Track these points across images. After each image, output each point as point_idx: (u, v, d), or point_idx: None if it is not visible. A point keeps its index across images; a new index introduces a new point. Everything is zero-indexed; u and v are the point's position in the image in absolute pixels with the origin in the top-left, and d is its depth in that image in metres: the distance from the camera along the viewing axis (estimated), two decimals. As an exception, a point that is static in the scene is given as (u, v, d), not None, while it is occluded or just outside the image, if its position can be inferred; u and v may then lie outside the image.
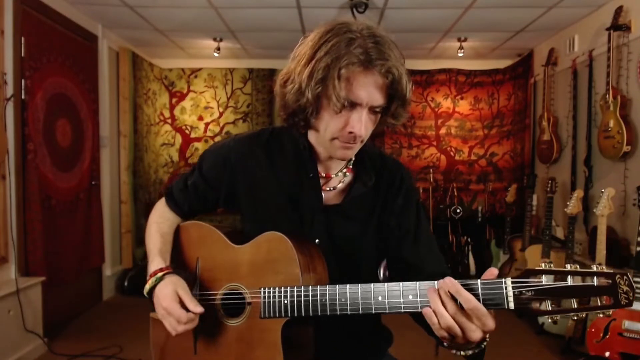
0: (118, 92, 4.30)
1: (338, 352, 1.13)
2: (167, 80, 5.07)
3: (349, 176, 1.14)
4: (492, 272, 0.85)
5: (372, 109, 0.97)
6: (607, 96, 3.17)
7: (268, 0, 3.44)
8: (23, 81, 2.90)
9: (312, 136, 1.10)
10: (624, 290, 0.76)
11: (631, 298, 0.77)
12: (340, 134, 0.98)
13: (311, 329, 1.06)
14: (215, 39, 4.39)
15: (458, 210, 4.71)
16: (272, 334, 1.00)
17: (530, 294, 0.79)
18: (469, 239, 4.55)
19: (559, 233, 3.79)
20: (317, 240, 1.09)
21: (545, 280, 0.79)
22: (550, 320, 0.82)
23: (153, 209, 1.28)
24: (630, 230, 3.09)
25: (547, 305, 0.79)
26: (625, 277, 0.77)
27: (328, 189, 1.12)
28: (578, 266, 0.80)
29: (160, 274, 1.09)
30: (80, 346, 3.00)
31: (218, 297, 1.10)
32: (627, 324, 2.39)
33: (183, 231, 1.23)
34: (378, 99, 0.96)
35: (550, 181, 3.52)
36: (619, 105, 3.08)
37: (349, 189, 1.12)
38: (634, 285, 0.77)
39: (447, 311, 0.83)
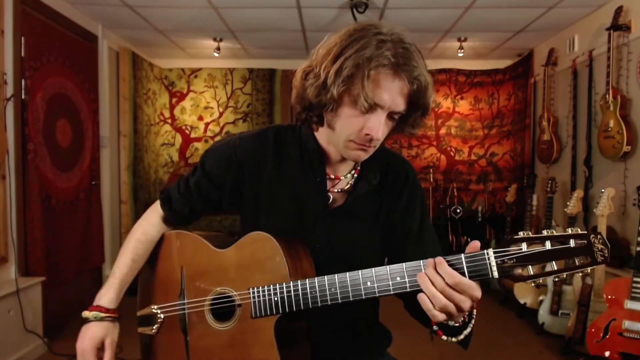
0: (118, 92, 4.30)
1: (337, 352, 1.13)
2: (167, 80, 5.07)
3: (356, 177, 1.13)
4: (475, 245, 0.87)
5: (390, 114, 0.97)
6: (607, 96, 3.17)
7: (268, 0, 3.44)
8: (23, 81, 2.90)
9: (323, 135, 1.08)
10: (599, 248, 0.81)
11: (606, 255, 0.81)
12: (356, 135, 0.97)
13: (305, 325, 1.06)
14: (215, 39, 4.39)
15: (458, 210, 4.71)
16: (266, 332, 0.99)
17: (512, 261, 0.83)
18: (469, 239, 4.55)
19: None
20: (317, 245, 1.07)
21: (525, 247, 0.83)
22: (533, 285, 0.86)
23: (145, 214, 1.24)
24: (630, 230, 3.09)
25: (529, 271, 0.83)
26: (599, 236, 0.81)
27: (336, 190, 1.12)
28: (554, 231, 0.83)
29: (102, 315, 1.09)
30: (80, 346, 3.00)
31: (206, 303, 1.09)
32: (627, 324, 2.39)
33: (165, 241, 1.21)
34: (400, 105, 0.95)
35: (550, 181, 3.53)
36: (619, 105, 3.08)
37: (353, 189, 1.12)
38: (607, 244, 0.80)
39: (436, 288, 0.84)
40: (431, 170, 4.91)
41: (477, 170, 5.04)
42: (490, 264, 0.84)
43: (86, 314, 1.09)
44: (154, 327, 1.16)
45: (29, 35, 2.96)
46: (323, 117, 1.01)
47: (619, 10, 3.14)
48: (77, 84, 3.58)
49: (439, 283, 0.84)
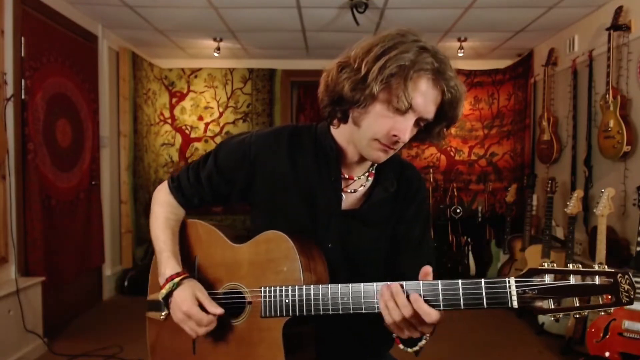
0: (118, 92, 4.30)
1: (339, 352, 1.13)
2: (167, 80, 5.07)
3: (370, 180, 1.13)
4: (426, 270, 0.90)
5: (418, 120, 0.98)
6: (607, 96, 3.17)
7: (268, 0, 3.44)
8: (23, 81, 2.90)
9: (343, 133, 1.08)
10: (625, 288, 0.78)
11: (632, 296, 0.78)
12: (383, 135, 0.98)
13: (312, 329, 1.06)
14: (215, 39, 4.39)
15: (458, 210, 4.71)
16: (273, 333, 0.99)
17: (533, 292, 0.81)
18: (469, 239, 4.55)
19: (559, 233, 3.79)
20: (329, 245, 1.07)
21: (548, 279, 0.81)
22: (552, 319, 0.84)
23: (157, 199, 1.23)
24: (630, 230, 3.09)
25: (550, 304, 0.81)
26: (626, 276, 0.78)
27: (349, 190, 1.12)
28: (580, 265, 0.81)
29: (177, 279, 1.08)
30: (80, 346, 3.00)
31: (217, 296, 1.10)
32: (627, 324, 2.39)
33: (182, 229, 1.22)
34: (430, 112, 0.97)
35: (550, 181, 3.52)
36: (619, 105, 3.08)
37: (370, 194, 1.12)
38: (634, 284, 0.78)
39: (391, 314, 0.89)
40: (431, 170, 4.91)
41: (477, 170, 5.04)
42: (510, 293, 0.82)
43: (163, 292, 1.08)
44: (163, 314, 1.16)
45: (29, 35, 2.96)
46: (348, 114, 1.01)
47: (619, 10, 3.14)
48: (77, 84, 3.58)
49: (395, 314, 0.88)
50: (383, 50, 0.93)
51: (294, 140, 1.12)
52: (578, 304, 0.80)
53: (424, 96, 0.94)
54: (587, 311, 0.80)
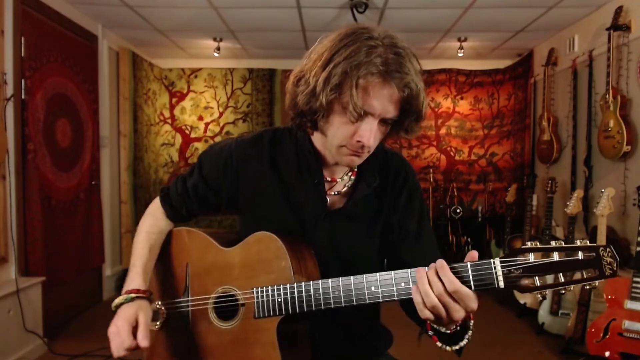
0: (118, 92, 4.30)
1: (337, 352, 1.13)
2: (167, 80, 5.07)
3: (353, 178, 1.12)
4: (473, 254, 0.87)
5: (382, 121, 0.96)
6: (607, 96, 3.18)
7: (268, 0, 3.44)
8: (23, 81, 2.90)
9: (318, 139, 1.08)
10: (608, 261, 0.79)
11: (615, 269, 0.79)
12: (348, 141, 0.96)
13: (307, 327, 1.06)
14: (215, 39, 4.39)
15: (458, 210, 4.71)
16: (268, 333, 0.99)
17: (519, 271, 0.82)
18: (469, 239, 4.55)
19: (559, 233, 3.79)
20: (318, 247, 1.07)
21: (533, 258, 0.82)
22: (539, 296, 0.85)
23: (147, 211, 1.25)
24: (630, 230, 3.09)
25: (536, 282, 0.82)
26: (608, 250, 0.80)
27: (333, 193, 1.11)
28: (562, 242, 0.82)
29: (133, 295, 1.08)
30: (80, 346, 3.00)
31: (210, 301, 1.10)
32: (627, 324, 2.39)
33: (172, 238, 1.22)
34: (391, 111, 0.94)
35: (550, 181, 3.52)
36: (619, 105, 3.08)
37: (353, 191, 1.11)
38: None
39: (433, 291, 0.84)
40: (431, 170, 4.91)
41: (477, 170, 5.04)
42: (496, 273, 0.83)
43: (117, 301, 1.08)
44: (158, 323, 1.16)
45: (29, 35, 2.96)
46: (317, 123, 1.00)
47: (619, 10, 3.14)
48: (77, 84, 3.58)
49: (437, 287, 0.84)
50: (330, 57, 0.91)
51: (275, 146, 1.12)
52: (563, 280, 0.82)
53: (377, 98, 0.91)
54: (572, 286, 0.82)
